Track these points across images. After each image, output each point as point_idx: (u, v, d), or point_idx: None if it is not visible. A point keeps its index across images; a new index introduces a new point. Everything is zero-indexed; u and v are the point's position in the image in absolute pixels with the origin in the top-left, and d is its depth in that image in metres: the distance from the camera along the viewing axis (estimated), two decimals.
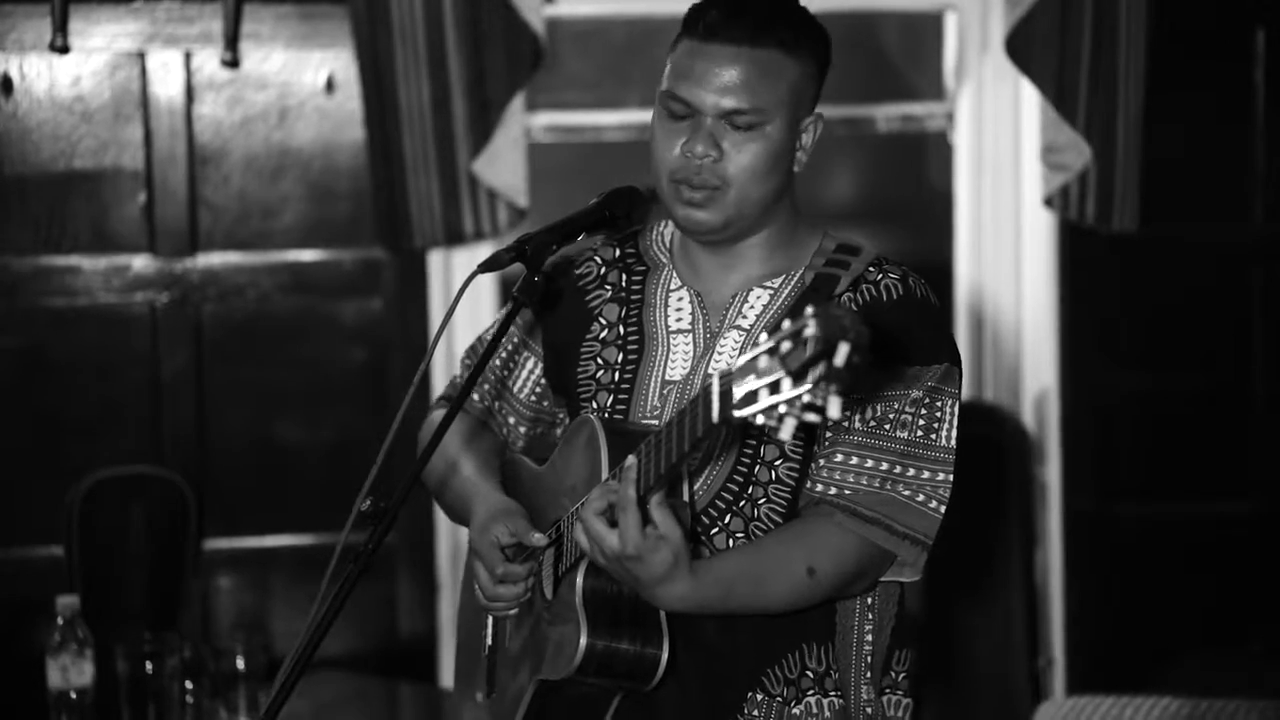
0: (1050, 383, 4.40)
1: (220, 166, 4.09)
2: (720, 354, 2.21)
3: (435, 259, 4.17)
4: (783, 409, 1.68)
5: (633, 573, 2.02)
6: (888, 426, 2.15)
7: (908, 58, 4.62)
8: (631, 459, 2.00)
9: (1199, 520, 4.44)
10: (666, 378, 2.24)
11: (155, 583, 3.86)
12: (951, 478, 2.17)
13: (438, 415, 2.44)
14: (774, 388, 1.69)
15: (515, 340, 2.41)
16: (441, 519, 4.10)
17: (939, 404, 2.17)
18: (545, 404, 2.42)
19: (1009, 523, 4.30)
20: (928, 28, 4.52)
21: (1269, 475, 4.43)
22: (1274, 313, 4.43)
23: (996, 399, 4.46)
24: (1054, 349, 4.39)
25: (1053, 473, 4.41)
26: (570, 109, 4.39)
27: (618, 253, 2.35)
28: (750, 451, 2.17)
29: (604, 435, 2.13)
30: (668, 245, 2.33)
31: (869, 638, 2.23)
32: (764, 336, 1.72)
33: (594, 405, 2.26)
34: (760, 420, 1.71)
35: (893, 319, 2.16)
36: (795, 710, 2.19)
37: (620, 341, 2.28)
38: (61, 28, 3.96)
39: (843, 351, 1.64)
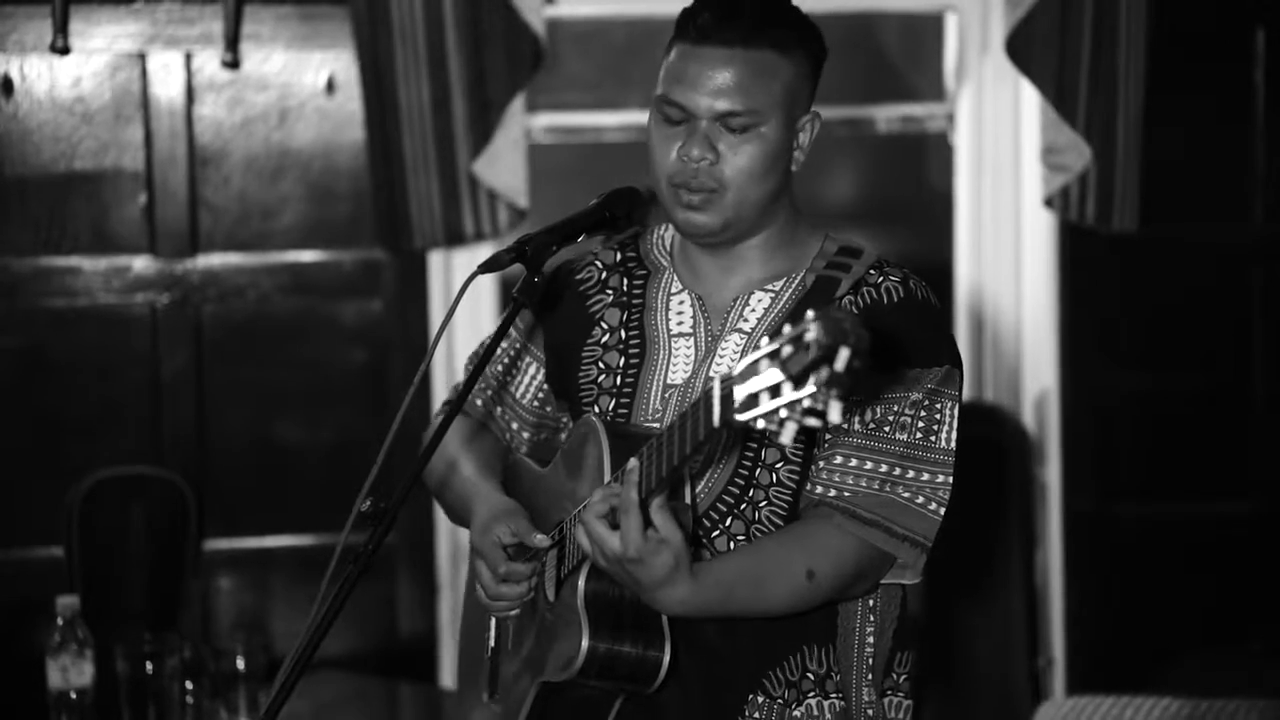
0: (1050, 383, 4.40)
1: (220, 167, 4.09)
2: (721, 357, 2.21)
3: (435, 260, 4.17)
4: (783, 413, 1.68)
5: (634, 575, 2.02)
6: (887, 429, 2.15)
7: (908, 58, 4.62)
8: (633, 461, 2.00)
9: (1199, 520, 4.43)
10: (668, 381, 2.23)
11: (155, 583, 3.86)
12: (951, 480, 2.17)
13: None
14: (775, 392, 1.69)
15: (517, 345, 2.41)
16: (441, 519, 4.10)
17: (939, 406, 2.17)
18: (548, 409, 2.42)
19: (1009, 523, 4.30)
20: (928, 28, 4.52)
21: (1269, 475, 4.43)
22: (1274, 313, 4.42)
23: (997, 399, 4.46)
24: (1054, 349, 4.38)
25: (1053, 473, 4.41)
26: (570, 110, 4.38)
27: (618, 257, 2.35)
28: (751, 454, 2.17)
29: (606, 437, 2.13)
30: (668, 248, 2.33)
31: (870, 640, 2.22)
32: (765, 340, 1.72)
33: (596, 409, 2.26)
34: (761, 424, 1.71)
35: (893, 321, 2.16)
36: (796, 712, 2.19)
37: (622, 345, 2.28)
38: (62, 29, 3.96)
39: (843, 356, 1.64)
